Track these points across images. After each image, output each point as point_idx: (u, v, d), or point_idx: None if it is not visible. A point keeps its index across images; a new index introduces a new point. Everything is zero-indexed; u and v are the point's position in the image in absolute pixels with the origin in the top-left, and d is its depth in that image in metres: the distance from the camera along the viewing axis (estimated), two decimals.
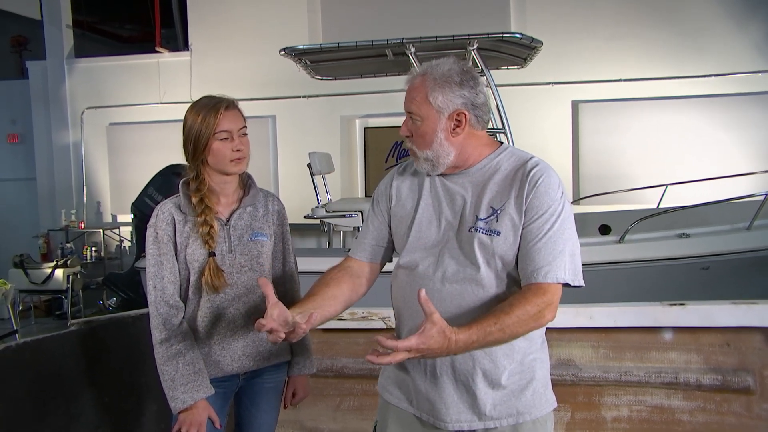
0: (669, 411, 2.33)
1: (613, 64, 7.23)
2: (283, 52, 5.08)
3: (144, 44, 9.42)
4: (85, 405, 2.25)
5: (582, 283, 1.50)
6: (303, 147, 6.85)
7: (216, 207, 1.88)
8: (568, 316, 2.34)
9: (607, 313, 2.36)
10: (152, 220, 1.86)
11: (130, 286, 6.01)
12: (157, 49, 8.67)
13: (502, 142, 1.65)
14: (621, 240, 4.64)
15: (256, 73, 7.93)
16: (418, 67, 1.77)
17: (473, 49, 4.67)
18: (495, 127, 4.84)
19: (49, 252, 8.33)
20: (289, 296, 1.97)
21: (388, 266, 1.75)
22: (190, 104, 1.88)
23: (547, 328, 1.59)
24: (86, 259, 8.08)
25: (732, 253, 4.53)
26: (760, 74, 6.99)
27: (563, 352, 2.38)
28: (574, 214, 1.60)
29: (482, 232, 1.51)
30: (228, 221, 1.89)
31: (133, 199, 5.66)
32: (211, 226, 1.83)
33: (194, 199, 1.84)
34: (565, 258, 1.47)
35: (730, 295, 2.59)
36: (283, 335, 1.47)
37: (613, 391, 2.36)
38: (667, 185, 5.74)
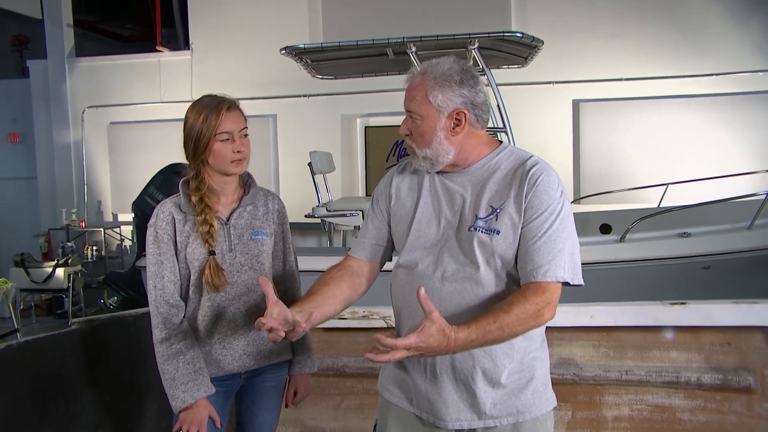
0: (670, 410, 2.33)
1: (614, 64, 7.22)
2: (284, 51, 5.08)
3: (145, 43, 9.42)
4: (85, 404, 2.25)
5: (581, 282, 1.50)
6: (304, 146, 6.85)
7: (216, 206, 1.87)
8: (569, 315, 2.34)
9: (608, 312, 2.36)
10: (152, 220, 1.86)
11: (130, 285, 6.01)
12: (158, 48, 8.67)
13: (501, 141, 1.65)
14: (622, 239, 4.64)
15: (257, 72, 7.93)
16: (418, 66, 1.77)
17: (474, 48, 4.67)
18: (496, 126, 4.84)
19: (49, 251, 8.32)
20: (289, 295, 1.97)
21: (388, 265, 1.75)
22: (190, 103, 1.87)
23: (548, 328, 1.59)
24: (87, 258, 8.08)
25: (733, 252, 4.53)
26: (760, 74, 6.98)
27: (564, 351, 2.38)
28: (575, 214, 1.60)
29: (482, 231, 1.51)
30: (228, 220, 1.89)
31: (133, 198, 5.68)
32: (211, 225, 1.83)
33: (194, 199, 1.84)
34: (564, 257, 1.47)
35: (730, 295, 2.59)
36: (282, 334, 1.47)
37: (614, 390, 2.36)
38: (667, 184, 5.73)
